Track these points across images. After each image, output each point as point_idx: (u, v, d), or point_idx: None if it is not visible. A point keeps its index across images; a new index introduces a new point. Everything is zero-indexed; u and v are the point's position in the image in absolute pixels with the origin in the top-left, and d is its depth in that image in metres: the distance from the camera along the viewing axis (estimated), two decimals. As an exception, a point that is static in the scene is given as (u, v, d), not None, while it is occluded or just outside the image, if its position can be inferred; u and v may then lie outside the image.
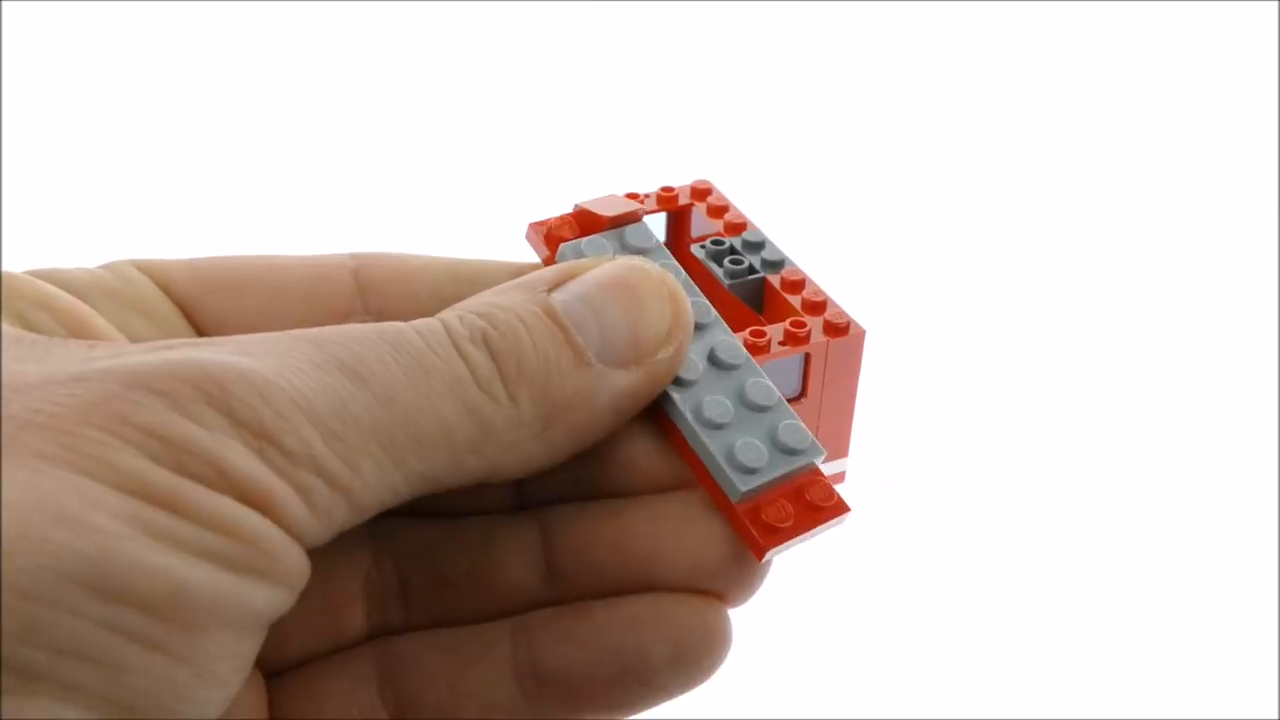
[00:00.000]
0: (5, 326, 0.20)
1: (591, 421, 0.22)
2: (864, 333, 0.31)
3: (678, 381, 0.24)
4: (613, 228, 0.26)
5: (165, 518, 0.17)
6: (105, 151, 0.74)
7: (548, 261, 0.26)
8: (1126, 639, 0.49)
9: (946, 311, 0.63)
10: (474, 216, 0.65)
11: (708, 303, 0.25)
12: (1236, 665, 0.48)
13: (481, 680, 0.23)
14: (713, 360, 0.24)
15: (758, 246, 0.34)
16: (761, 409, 0.24)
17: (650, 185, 0.36)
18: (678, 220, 0.36)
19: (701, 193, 0.36)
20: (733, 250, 0.34)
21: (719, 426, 0.23)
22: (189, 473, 0.17)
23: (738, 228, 0.35)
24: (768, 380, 0.24)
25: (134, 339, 0.23)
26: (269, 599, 0.18)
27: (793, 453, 0.23)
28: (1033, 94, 0.80)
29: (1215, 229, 0.70)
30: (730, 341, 0.25)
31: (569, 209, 0.28)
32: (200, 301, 0.25)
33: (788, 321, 0.31)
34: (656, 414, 0.24)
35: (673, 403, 0.23)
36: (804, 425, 0.24)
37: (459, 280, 0.26)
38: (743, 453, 0.23)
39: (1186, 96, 0.79)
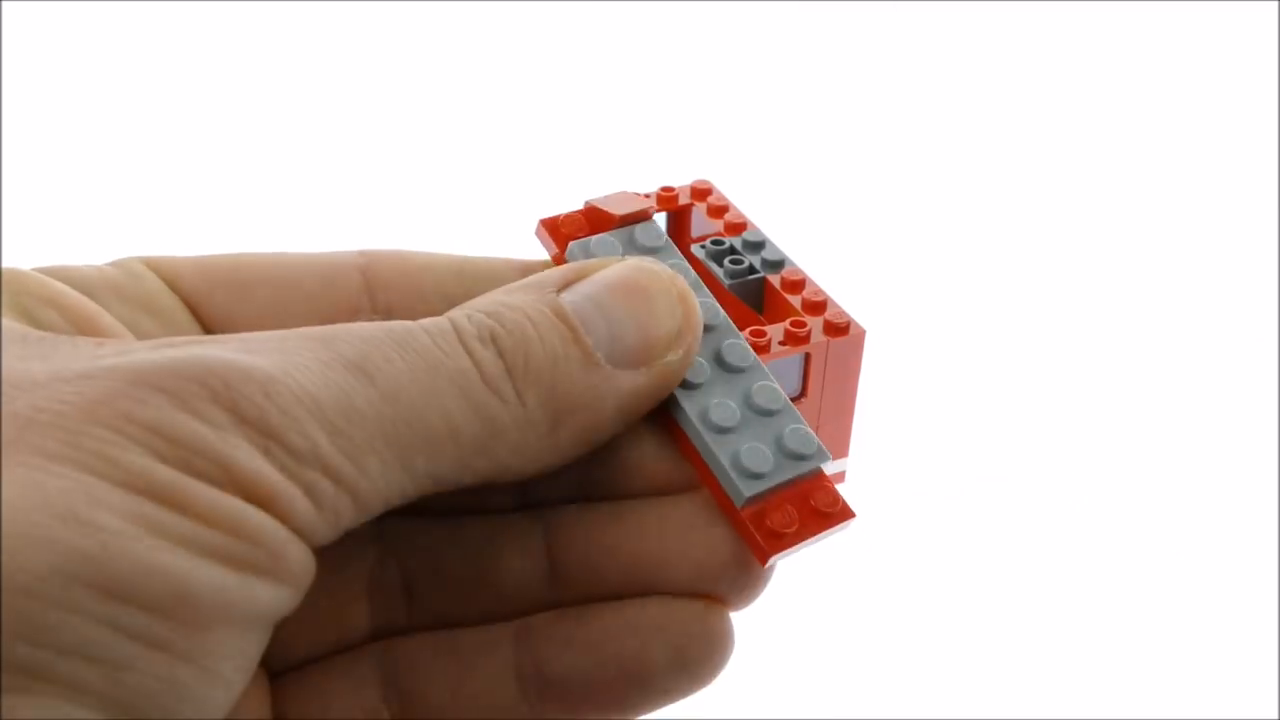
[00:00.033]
0: (13, 324, 0.20)
1: (599, 423, 0.21)
2: (864, 333, 0.31)
3: (684, 384, 0.23)
4: (623, 226, 0.26)
5: (170, 516, 0.17)
6: (114, 149, 0.73)
7: (557, 258, 0.26)
8: (1127, 638, 0.49)
9: (946, 311, 0.63)
10: (475, 214, 0.65)
11: (716, 304, 0.25)
12: (1236, 665, 0.47)
13: (484, 683, 0.22)
14: (720, 363, 0.24)
15: (758, 246, 0.33)
16: (768, 413, 0.23)
17: (650, 185, 0.36)
18: (678, 220, 0.36)
19: (701, 193, 0.36)
20: (733, 250, 0.34)
21: (725, 430, 0.23)
22: (194, 471, 0.17)
23: (738, 228, 0.34)
24: (775, 384, 0.24)
25: (141, 336, 0.23)
26: (274, 598, 0.18)
27: (798, 458, 0.23)
28: (1033, 94, 0.79)
29: (1216, 228, 0.69)
30: (738, 344, 0.24)
31: (573, 207, 0.27)
32: (208, 299, 0.24)
33: (788, 321, 0.31)
34: (662, 416, 0.23)
35: (679, 405, 0.23)
36: (810, 430, 0.23)
37: (467, 278, 0.25)
38: (748, 457, 0.22)
39: (1186, 96, 0.79)
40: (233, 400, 0.18)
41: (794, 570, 0.24)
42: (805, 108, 0.78)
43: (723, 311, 0.25)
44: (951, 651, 0.48)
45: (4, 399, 0.17)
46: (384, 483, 0.19)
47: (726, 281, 0.33)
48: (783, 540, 0.22)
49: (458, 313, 0.21)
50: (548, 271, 0.23)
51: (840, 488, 0.24)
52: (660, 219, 0.36)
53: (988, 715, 0.46)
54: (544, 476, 0.22)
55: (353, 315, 0.25)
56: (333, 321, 0.23)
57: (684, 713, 0.23)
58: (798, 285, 0.32)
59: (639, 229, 0.26)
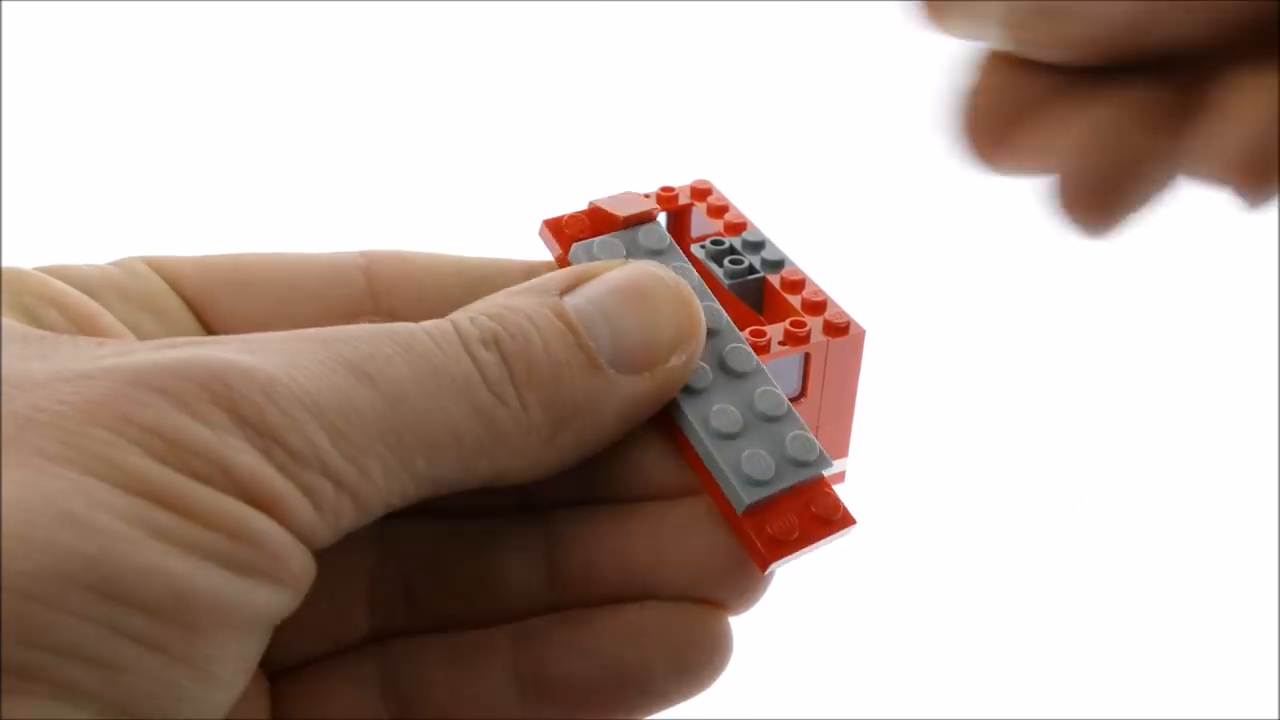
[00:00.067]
0: (14, 323, 0.19)
1: (601, 427, 0.21)
2: (864, 333, 0.30)
3: (687, 388, 0.23)
4: (626, 227, 0.26)
5: (169, 518, 0.16)
6: (115, 148, 0.73)
7: (560, 259, 0.25)
8: (1127, 638, 0.48)
9: (946, 311, 0.62)
10: (476, 213, 0.64)
11: (720, 308, 0.24)
12: (1236, 665, 0.47)
13: (483, 686, 0.22)
14: (723, 367, 0.23)
15: (758, 246, 0.33)
16: (770, 419, 0.23)
17: (650, 185, 0.35)
18: (678, 220, 0.36)
19: (701, 193, 0.35)
20: (733, 250, 0.33)
21: (726, 436, 0.22)
22: (194, 473, 0.17)
23: (738, 228, 0.34)
24: (778, 389, 0.23)
25: (143, 336, 0.22)
26: (274, 601, 0.17)
27: (800, 464, 0.22)
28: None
29: (1216, 228, 0.69)
30: (741, 349, 0.24)
31: (575, 207, 0.27)
32: (210, 299, 0.24)
33: (788, 321, 0.30)
34: (664, 420, 0.23)
35: (681, 410, 0.23)
36: (812, 436, 0.23)
37: (470, 279, 0.25)
38: (749, 464, 0.22)
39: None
40: (233, 401, 0.17)
41: (792, 570, 0.23)
42: (805, 108, 0.77)
43: (726, 316, 0.24)
44: (951, 651, 0.48)
45: (4, 398, 0.17)
46: (385, 485, 0.19)
47: (726, 281, 0.32)
48: (783, 547, 0.22)
49: (460, 315, 0.21)
50: (551, 274, 0.22)
51: (839, 489, 0.23)
52: (660, 219, 0.35)
53: (987, 715, 0.45)
54: (545, 479, 0.22)
55: (355, 316, 0.24)
56: (335, 322, 0.23)
57: (683, 714, 0.23)
58: (798, 285, 0.32)
59: (643, 231, 0.25)
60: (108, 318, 0.22)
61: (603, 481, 0.23)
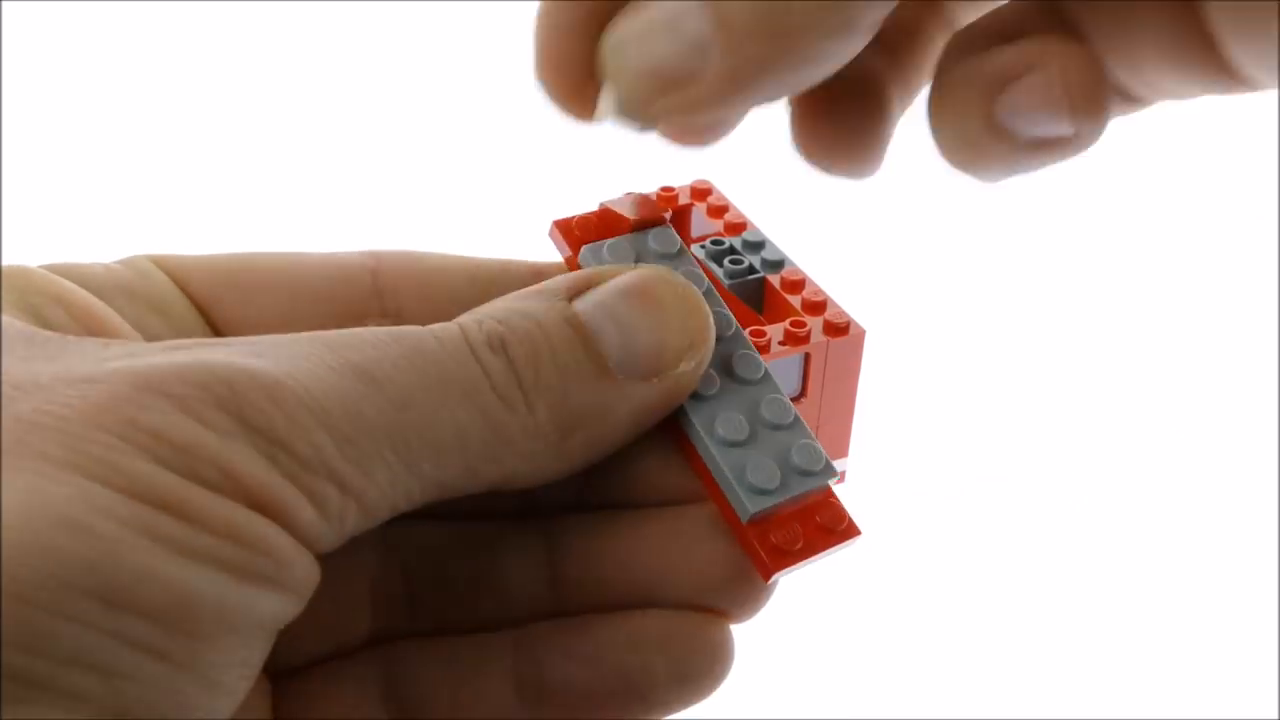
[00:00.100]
0: (20, 323, 0.19)
1: (609, 433, 0.21)
2: (864, 333, 0.30)
3: (694, 395, 0.22)
4: (636, 230, 0.25)
5: (173, 524, 0.16)
6: (122, 145, 0.72)
7: (569, 261, 0.25)
8: (1127, 637, 0.48)
9: (946, 311, 0.62)
10: (481, 213, 0.64)
11: (729, 314, 0.24)
12: (1236, 665, 0.47)
13: (483, 691, 0.22)
14: (730, 374, 0.23)
15: (758, 246, 0.33)
16: (776, 427, 0.22)
17: (650, 185, 0.35)
18: (678, 220, 0.35)
19: (701, 193, 0.35)
20: (733, 250, 0.33)
21: (732, 444, 0.22)
22: (199, 478, 0.16)
23: (738, 228, 0.34)
24: (785, 397, 0.23)
25: (149, 336, 0.22)
26: (278, 607, 0.17)
27: (806, 474, 0.22)
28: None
29: (1216, 228, 0.68)
30: (749, 356, 0.23)
31: (580, 207, 0.27)
32: (217, 299, 0.23)
33: (788, 321, 0.30)
34: (669, 426, 0.22)
35: (687, 416, 0.22)
36: (819, 445, 0.22)
37: (478, 280, 0.24)
38: (754, 473, 0.21)
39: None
40: (238, 406, 0.17)
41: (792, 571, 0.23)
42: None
43: (735, 322, 0.24)
44: (950, 651, 0.47)
45: (7, 400, 0.16)
46: (390, 490, 0.18)
47: (726, 281, 0.32)
48: (787, 557, 0.21)
49: (467, 319, 0.20)
50: (560, 277, 0.22)
51: (839, 489, 0.23)
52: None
53: (987, 715, 0.45)
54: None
55: (362, 318, 0.24)
56: (342, 323, 0.22)
57: (683, 717, 0.22)
58: (797, 285, 0.31)
59: (653, 234, 0.25)
60: (114, 317, 0.21)
61: (606, 486, 0.22)
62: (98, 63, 0.78)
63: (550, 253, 0.25)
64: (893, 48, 0.24)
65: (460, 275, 0.25)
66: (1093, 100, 0.19)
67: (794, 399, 0.30)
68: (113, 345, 0.19)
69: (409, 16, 0.83)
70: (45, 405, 0.16)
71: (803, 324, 0.30)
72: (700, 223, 0.35)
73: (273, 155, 0.71)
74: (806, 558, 0.21)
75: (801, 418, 0.23)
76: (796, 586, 0.22)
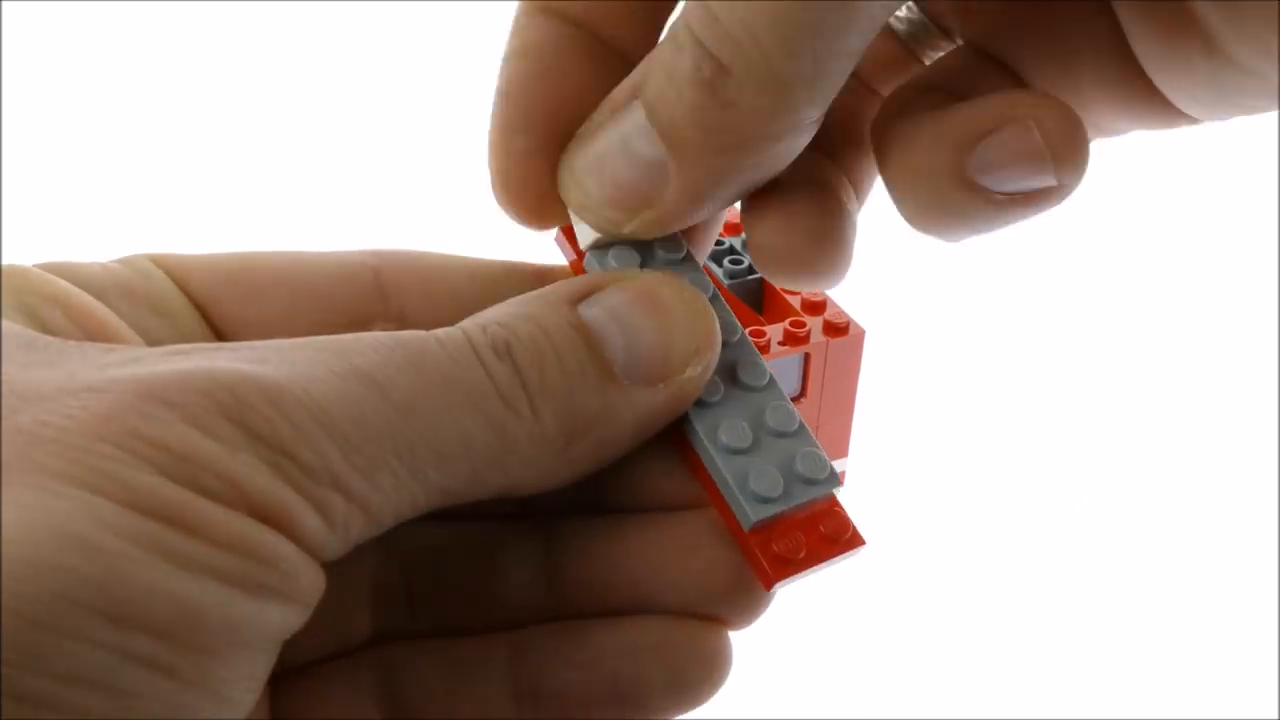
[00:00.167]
0: (19, 328, 0.18)
1: (614, 439, 0.20)
2: (864, 333, 0.29)
3: (697, 401, 0.21)
4: None
5: (178, 537, 0.15)
6: (123, 144, 0.71)
7: (575, 265, 0.24)
8: (1127, 637, 0.47)
9: (946, 311, 0.61)
10: (485, 214, 0.63)
11: (735, 320, 0.23)
12: (1236, 665, 0.46)
13: (479, 696, 0.21)
14: (735, 380, 0.22)
15: (757, 245, 0.32)
16: (781, 434, 0.22)
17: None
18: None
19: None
20: (732, 250, 0.32)
21: (735, 451, 0.21)
22: (203, 489, 0.15)
23: (737, 228, 0.33)
24: (789, 404, 0.22)
25: (150, 339, 0.21)
26: (284, 618, 0.16)
27: (810, 482, 0.21)
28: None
29: (1216, 228, 0.68)
30: (754, 362, 0.23)
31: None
32: (218, 299, 0.22)
33: (787, 321, 0.29)
34: (672, 431, 0.22)
35: (690, 422, 0.21)
36: (823, 453, 0.22)
37: (482, 282, 0.24)
38: (757, 480, 0.21)
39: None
40: (242, 414, 0.16)
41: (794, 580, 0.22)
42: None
43: (741, 328, 0.23)
44: (950, 651, 0.47)
45: (8, 411, 0.16)
46: (395, 497, 0.17)
47: (726, 282, 0.32)
48: (789, 566, 0.20)
49: (471, 324, 0.20)
50: (565, 282, 0.21)
51: (839, 492, 0.22)
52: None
53: (987, 715, 0.44)
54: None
55: (365, 318, 0.23)
56: (345, 324, 0.21)
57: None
58: (796, 285, 0.31)
59: (660, 239, 0.24)
60: (113, 319, 0.21)
61: (607, 490, 0.22)
62: (98, 63, 0.77)
63: (555, 256, 0.24)
64: (831, 145, 0.24)
65: (464, 276, 0.24)
66: (1075, 148, 0.19)
67: (794, 399, 0.29)
68: (114, 351, 0.18)
69: (412, 17, 0.81)
70: (46, 416, 0.16)
71: (802, 324, 0.29)
72: (698, 221, 0.34)
73: (273, 155, 0.70)
74: (809, 567, 0.21)
75: (806, 425, 0.22)
76: (794, 588, 0.22)
